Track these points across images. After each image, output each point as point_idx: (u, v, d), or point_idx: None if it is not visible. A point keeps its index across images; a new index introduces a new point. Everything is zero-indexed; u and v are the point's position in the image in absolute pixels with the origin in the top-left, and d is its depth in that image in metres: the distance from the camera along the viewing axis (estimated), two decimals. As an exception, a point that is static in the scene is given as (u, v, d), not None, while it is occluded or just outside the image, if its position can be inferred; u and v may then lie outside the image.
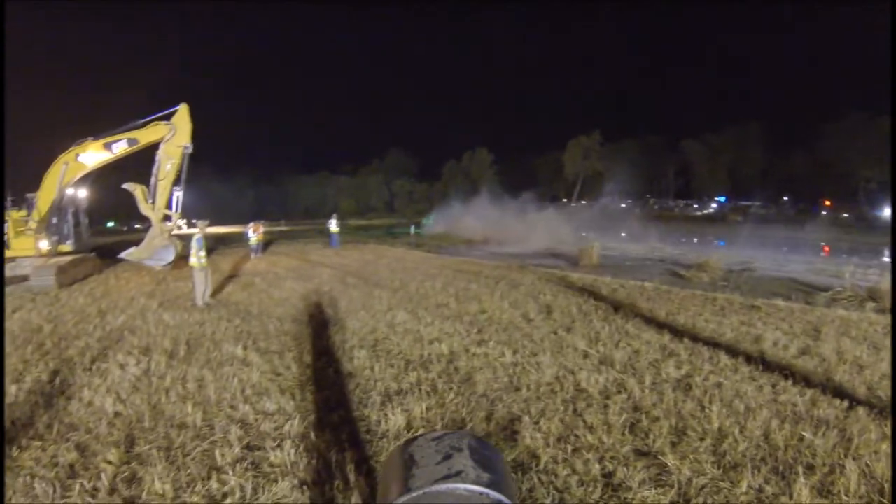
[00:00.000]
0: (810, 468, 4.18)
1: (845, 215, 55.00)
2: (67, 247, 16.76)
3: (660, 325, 8.84)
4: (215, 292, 12.85)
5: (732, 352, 7.28)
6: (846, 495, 3.78)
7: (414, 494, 0.63)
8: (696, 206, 73.97)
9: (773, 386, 5.95)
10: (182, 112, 15.35)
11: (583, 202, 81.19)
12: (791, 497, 3.78)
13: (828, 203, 62.44)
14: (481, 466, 0.66)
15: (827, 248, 23.27)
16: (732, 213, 63.69)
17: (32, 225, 15.46)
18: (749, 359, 6.91)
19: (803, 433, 4.71)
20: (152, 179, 15.43)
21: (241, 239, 28.39)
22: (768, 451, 4.47)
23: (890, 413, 4.78)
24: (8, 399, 6.08)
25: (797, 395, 5.62)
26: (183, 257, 15.45)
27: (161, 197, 15.42)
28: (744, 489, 3.89)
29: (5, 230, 15.24)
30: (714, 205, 72.99)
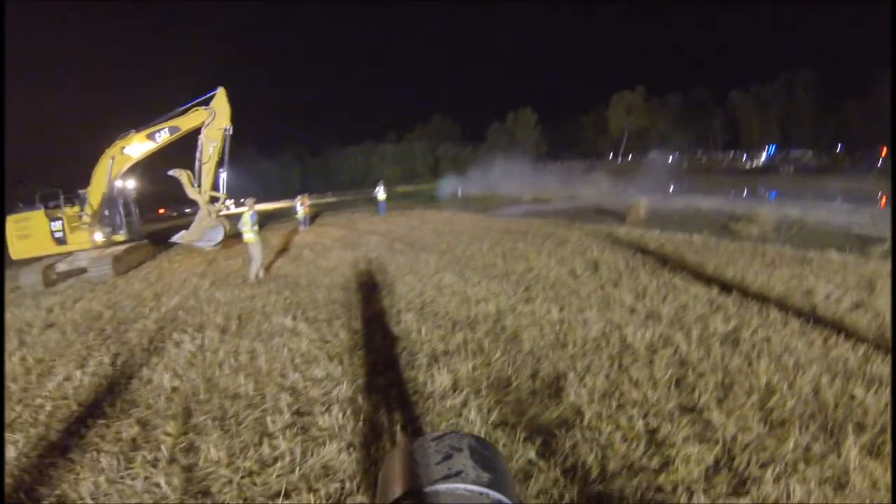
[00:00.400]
0: (860, 427, 3.93)
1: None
2: (121, 236, 17.38)
3: (708, 279, 8.50)
4: (265, 266, 13.14)
5: (782, 305, 6.91)
6: (897, 457, 3.53)
7: (413, 494, 0.62)
8: (744, 157, 70.88)
9: (825, 341, 5.59)
10: (220, 96, 15.56)
11: (629, 158, 79.51)
12: (839, 457, 3.57)
13: (884, 151, 58.36)
14: (481, 466, 0.65)
15: (885, 198, 21.95)
16: (783, 163, 60.66)
17: (86, 219, 16.05)
18: (799, 313, 6.57)
19: (854, 391, 4.44)
20: (196, 164, 15.76)
21: (289, 214, 28.91)
22: (817, 409, 4.24)
23: None
24: (73, 383, 6.37)
25: (849, 351, 5.28)
26: (232, 236, 15.87)
27: (206, 180, 15.75)
28: (790, 447, 3.71)
29: (60, 227, 15.87)
30: (763, 156, 69.71)
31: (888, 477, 3.35)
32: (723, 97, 74.60)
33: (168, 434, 4.74)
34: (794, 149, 67.36)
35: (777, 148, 70.00)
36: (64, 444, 4.86)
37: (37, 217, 15.88)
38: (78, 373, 6.70)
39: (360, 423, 4.53)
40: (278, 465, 4.04)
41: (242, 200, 15.07)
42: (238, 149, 18.90)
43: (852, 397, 4.37)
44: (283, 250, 16.73)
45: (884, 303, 6.76)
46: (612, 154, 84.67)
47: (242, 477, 3.94)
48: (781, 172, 51.29)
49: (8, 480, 4.32)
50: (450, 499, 0.61)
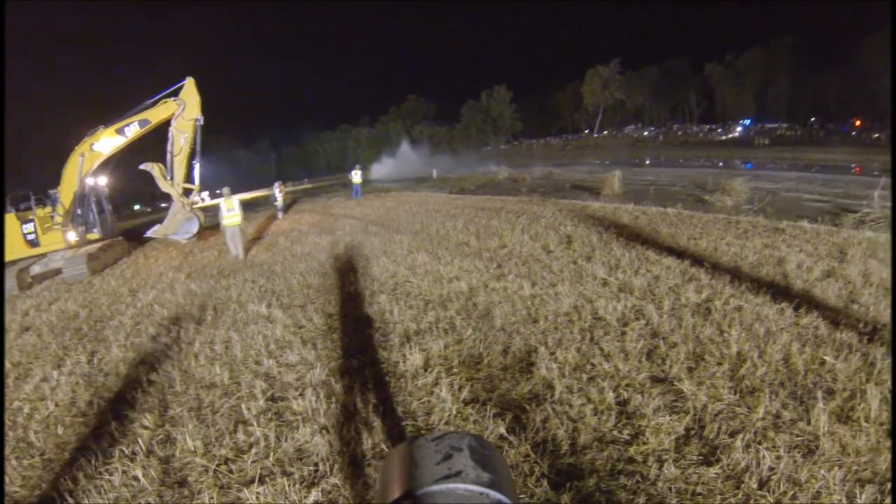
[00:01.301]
0: (830, 393, 4.06)
1: (876, 135, 51.33)
2: (95, 234, 17.17)
3: (681, 251, 8.65)
4: (245, 251, 13.27)
5: (754, 275, 7.08)
6: (866, 421, 3.65)
7: (413, 494, 0.63)
8: (720, 130, 71.20)
9: (795, 309, 5.70)
10: (189, 86, 15.35)
11: (605, 132, 79.62)
12: (809, 423, 3.68)
13: (858, 123, 58.71)
14: (481, 466, 0.66)
15: (858, 169, 22.32)
16: (758, 136, 60.95)
17: (58, 219, 15.80)
18: (771, 282, 6.73)
19: (824, 357, 4.56)
20: (168, 156, 15.58)
21: (267, 203, 28.71)
22: (787, 376, 4.36)
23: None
24: (50, 384, 6.39)
25: (819, 319, 5.42)
26: (206, 228, 15.80)
27: (178, 172, 15.59)
28: (760, 415, 3.82)
29: (32, 229, 15.66)
30: (739, 128, 69.94)
31: (857, 442, 3.46)
32: (699, 69, 74.77)
33: (145, 427, 4.79)
34: (769, 122, 67.78)
35: (752, 121, 70.43)
36: (42, 445, 4.90)
37: (7, 220, 15.63)
38: (55, 373, 6.71)
39: (333, 406, 4.62)
40: (253, 451, 4.12)
41: (218, 192, 15.08)
42: (212, 139, 18.70)
43: (822, 363, 4.49)
44: (257, 238, 16.66)
45: (854, 271, 6.93)
46: (587, 129, 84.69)
47: (218, 465, 4.02)
48: (756, 145, 51.70)
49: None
50: (450, 499, 0.62)
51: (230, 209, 13.65)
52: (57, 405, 5.74)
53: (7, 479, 4.39)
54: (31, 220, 15.65)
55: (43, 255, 15.77)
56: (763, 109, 69.75)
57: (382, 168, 59.31)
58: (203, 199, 16.53)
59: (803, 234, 9.30)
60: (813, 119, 66.09)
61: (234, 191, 14.97)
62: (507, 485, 0.66)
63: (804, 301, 5.95)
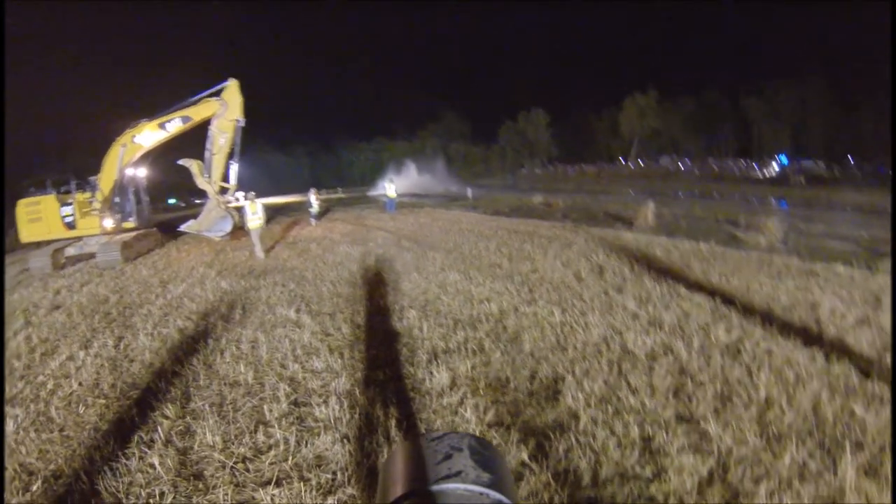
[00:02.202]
0: (859, 446, 3.85)
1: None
2: (130, 223, 17.54)
3: (712, 288, 8.42)
4: (272, 261, 13.32)
5: (786, 318, 6.83)
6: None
7: (413, 494, 0.62)
8: (755, 165, 70.15)
9: (827, 356, 5.46)
10: (232, 87, 15.60)
11: (640, 162, 79.20)
12: (836, 475, 3.49)
13: None
14: (481, 466, 0.65)
15: None
16: (794, 173, 59.97)
17: (96, 205, 16.20)
18: (803, 326, 6.49)
19: (855, 408, 4.35)
20: (206, 154, 15.83)
21: (299, 208, 29.02)
22: (815, 424, 4.16)
23: None
24: (76, 363, 6.47)
25: (851, 368, 5.19)
26: (239, 228, 16.04)
27: (216, 170, 15.81)
28: (786, 463, 3.63)
29: (71, 212, 16.07)
30: (775, 165, 68.96)
31: (884, 499, 3.29)
32: (735, 101, 74.11)
33: (166, 417, 4.78)
34: (806, 160, 66.75)
35: (788, 158, 69.47)
36: (62, 421, 4.93)
37: (48, 201, 16.07)
38: (81, 353, 6.81)
39: (356, 416, 4.55)
40: (272, 452, 4.06)
41: (245, 196, 15.50)
42: (249, 141, 19.00)
43: (852, 415, 4.29)
44: (291, 243, 16.79)
45: (889, 319, 6.64)
46: (622, 157, 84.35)
47: (236, 462, 3.97)
48: (793, 183, 50.92)
49: (5, 452, 4.39)
50: (450, 499, 0.61)
51: (254, 212, 14.95)
52: (80, 384, 5.80)
53: (24, 450, 4.43)
54: (70, 204, 16.09)
55: (78, 239, 16.15)
56: (799, 145, 68.69)
57: (406, 180, 58.63)
58: (237, 199, 16.73)
59: (838, 279, 9.00)
60: (851, 158, 64.78)
61: (269, 194, 15.39)
62: (507, 485, 0.65)
63: (836, 348, 5.73)
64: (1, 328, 7.20)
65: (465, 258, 11.76)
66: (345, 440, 4.15)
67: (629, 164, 79.71)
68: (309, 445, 4.10)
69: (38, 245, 16.16)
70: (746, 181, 55.20)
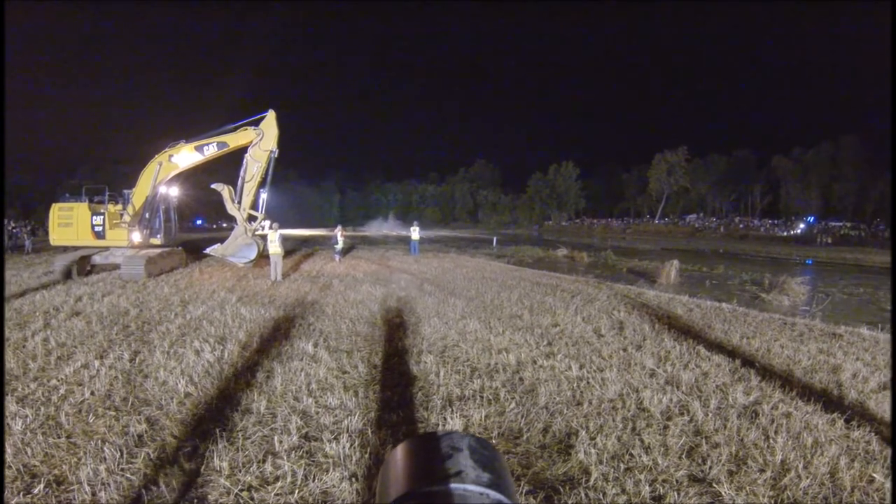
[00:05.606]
0: None
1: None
2: (157, 240, 17.87)
3: (733, 349, 8.31)
4: (293, 293, 13.33)
5: (807, 381, 6.72)
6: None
7: (413, 494, 0.61)
8: (781, 225, 69.70)
9: (847, 421, 5.37)
10: (269, 118, 16.09)
11: (666, 219, 79.17)
12: None
13: None
14: (481, 466, 0.64)
15: None
16: (821, 233, 59.52)
17: (127, 218, 16.61)
18: (824, 390, 6.38)
19: (874, 475, 4.24)
20: (239, 181, 16.20)
21: (324, 242, 29.17)
22: (832, 491, 4.04)
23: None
24: (90, 371, 6.48)
25: (871, 433, 5.08)
26: (264, 256, 16.25)
27: (247, 198, 16.15)
28: None
29: (101, 222, 16.42)
30: (802, 225, 68.55)
31: None
32: (765, 161, 74.25)
33: (174, 437, 4.73)
34: (834, 220, 66.21)
35: (816, 219, 68.96)
36: (70, 428, 4.91)
37: (80, 208, 16.47)
38: (96, 362, 6.84)
39: (366, 456, 4.45)
40: (279, 483, 3.97)
41: (271, 223, 15.90)
42: (280, 172, 19.38)
43: (871, 482, 4.18)
44: (313, 277, 16.85)
45: None
46: (649, 213, 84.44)
47: (241, 490, 3.88)
48: (819, 243, 50.39)
49: (10, 451, 4.37)
50: (449, 499, 0.59)
51: (272, 241, 16.39)
52: (93, 394, 5.80)
53: (29, 451, 4.41)
54: (102, 214, 16.45)
55: (105, 249, 16.45)
56: (828, 206, 68.12)
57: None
58: (264, 228, 17.02)
59: (861, 342, 8.85)
60: (878, 220, 63.91)
61: (295, 226, 15.79)
62: (507, 485, 0.64)
63: (857, 413, 5.62)
64: (1, 330, 7.24)
65: (487, 307, 11.67)
66: (353, 478, 4.05)
67: (655, 220, 79.70)
68: (316, 480, 4.00)
69: (65, 249, 16.53)
70: (772, 240, 54.76)
